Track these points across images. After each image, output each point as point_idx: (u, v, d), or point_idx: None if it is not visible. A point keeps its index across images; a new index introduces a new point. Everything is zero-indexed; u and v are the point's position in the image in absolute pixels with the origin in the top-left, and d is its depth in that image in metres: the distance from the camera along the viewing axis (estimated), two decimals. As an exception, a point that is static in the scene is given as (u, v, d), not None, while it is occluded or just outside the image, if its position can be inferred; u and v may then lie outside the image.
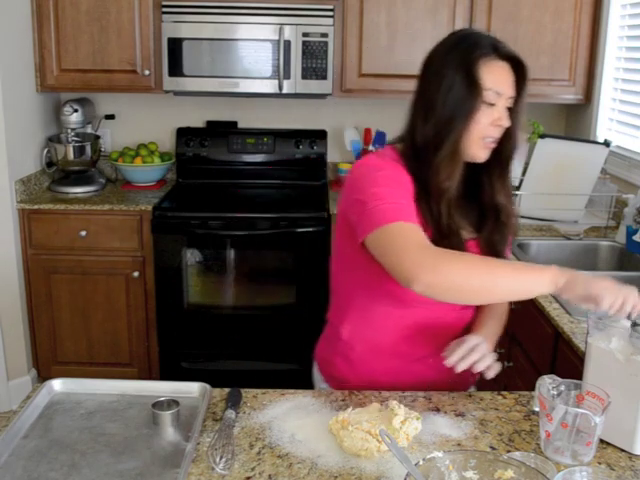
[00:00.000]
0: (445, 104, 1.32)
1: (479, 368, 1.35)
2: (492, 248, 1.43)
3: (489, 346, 1.40)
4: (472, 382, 1.56)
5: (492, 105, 1.32)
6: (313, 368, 1.66)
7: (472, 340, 1.37)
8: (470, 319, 1.49)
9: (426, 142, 1.35)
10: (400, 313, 1.44)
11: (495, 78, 1.31)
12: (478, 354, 1.35)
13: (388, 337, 1.46)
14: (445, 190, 1.34)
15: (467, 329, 1.47)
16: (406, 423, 1.23)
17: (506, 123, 1.34)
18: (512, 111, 1.35)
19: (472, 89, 1.30)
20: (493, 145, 1.36)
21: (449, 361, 1.34)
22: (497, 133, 1.35)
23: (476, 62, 1.30)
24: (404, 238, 1.23)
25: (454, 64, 1.31)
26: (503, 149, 1.39)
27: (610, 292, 1.18)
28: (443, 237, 1.33)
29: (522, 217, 2.76)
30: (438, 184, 1.34)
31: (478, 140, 1.34)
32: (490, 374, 1.36)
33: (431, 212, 1.35)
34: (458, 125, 1.31)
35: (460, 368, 1.33)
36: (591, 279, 1.20)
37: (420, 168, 1.35)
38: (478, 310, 1.51)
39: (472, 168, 1.40)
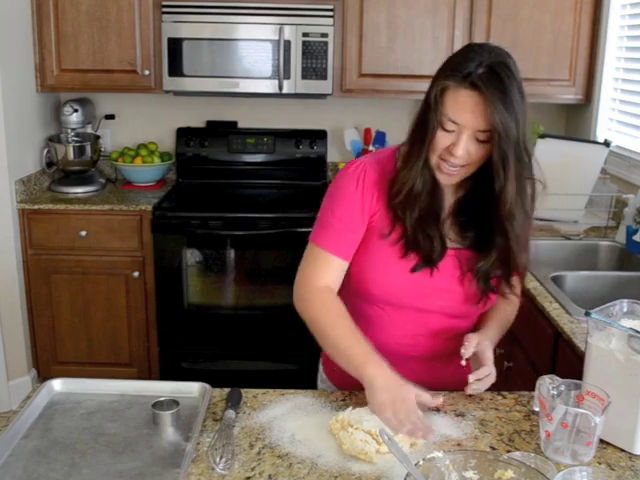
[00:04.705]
0: (416, 117, 1.36)
1: (470, 389, 1.36)
2: (472, 266, 1.41)
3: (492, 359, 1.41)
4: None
5: (450, 132, 1.29)
6: (319, 366, 1.68)
7: (492, 359, 1.38)
8: (465, 328, 1.49)
9: (406, 146, 1.39)
10: (375, 312, 1.47)
11: (456, 107, 1.26)
12: (486, 385, 1.37)
13: (368, 334, 1.47)
14: (404, 194, 1.36)
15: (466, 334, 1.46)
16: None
17: (458, 152, 1.28)
18: (496, 145, 1.27)
19: (433, 112, 1.29)
20: (454, 172, 1.33)
21: (472, 376, 1.35)
22: (454, 160, 1.30)
23: (446, 87, 1.27)
24: (305, 259, 1.45)
25: (434, 81, 1.32)
26: (495, 187, 1.31)
27: (382, 411, 1.23)
28: (409, 241, 1.39)
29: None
30: (399, 186, 1.37)
31: (435, 161, 1.34)
32: (470, 392, 1.37)
33: (397, 214, 1.39)
34: (417, 140, 1.34)
35: (471, 379, 1.35)
36: (374, 395, 1.25)
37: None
38: (483, 315, 1.52)
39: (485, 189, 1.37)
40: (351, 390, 1.43)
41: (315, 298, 1.41)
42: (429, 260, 1.39)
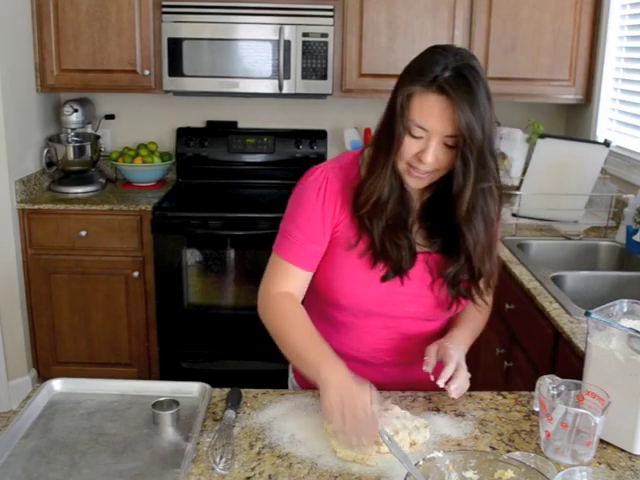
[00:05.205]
0: (381, 124, 1.33)
1: (451, 392, 1.32)
2: (442, 271, 1.39)
3: (463, 361, 1.37)
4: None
5: (418, 138, 1.25)
6: (290, 373, 1.66)
7: (454, 356, 1.34)
8: (437, 329, 1.48)
9: (371, 153, 1.36)
10: (347, 319, 1.45)
11: (423, 112, 1.23)
12: (461, 380, 1.32)
13: (341, 341, 1.46)
14: (370, 204, 1.33)
15: (438, 336, 1.44)
16: (413, 433, 1.23)
17: (427, 159, 1.25)
18: (460, 148, 1.24)
19: (398, 118, 1.25)
20: (423, 176, 1.30)
21: (440, 381, 1.31)
22: (423, 166, 1.27)
23: (412, 92, 1.23)
24: (270, 268, 1.43)
25: (398, 86, 1.28)
26: (453, 190, 1.28)
27: (330, 411, 1.19)
28: (377, 252, 1.35)
29: (522, 217, 2.76)
30: (365, 196, 1.34)
31: (404, 166, 1.31)
32: (454, 394, 1.32)
33: (363, 224, 1.36)
34: (383, 147, 1.31)
35: (441, 384, 1.31)
36: (325, 394, 1.21)
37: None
38: (454, 319, 1.50)
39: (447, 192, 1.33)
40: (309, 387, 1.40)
41: (274, 302, 1.39)
42: (399, 269, 1.37)
